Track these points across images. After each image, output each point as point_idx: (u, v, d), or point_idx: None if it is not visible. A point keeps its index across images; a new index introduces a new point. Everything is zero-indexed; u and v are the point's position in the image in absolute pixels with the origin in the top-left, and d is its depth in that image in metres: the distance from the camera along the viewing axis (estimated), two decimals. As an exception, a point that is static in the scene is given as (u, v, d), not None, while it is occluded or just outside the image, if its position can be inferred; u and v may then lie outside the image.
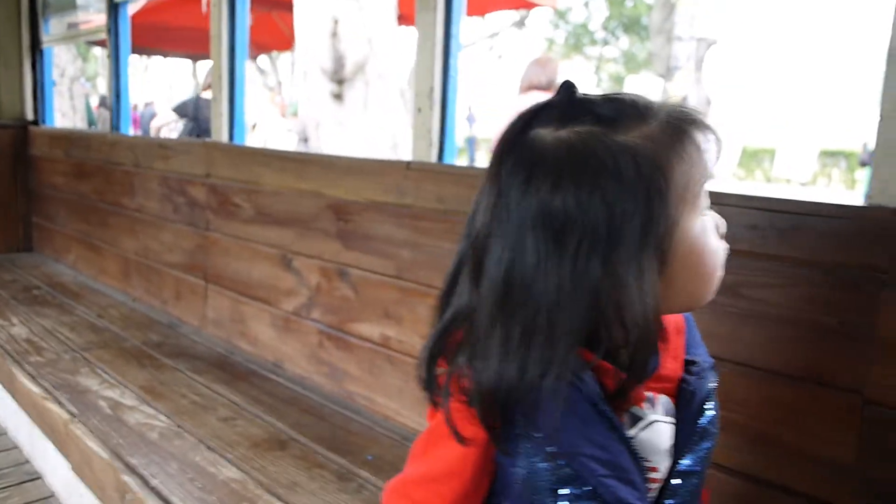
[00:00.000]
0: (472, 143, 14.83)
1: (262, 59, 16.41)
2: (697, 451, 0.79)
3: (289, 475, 1.56)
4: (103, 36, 3.11)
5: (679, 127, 0.69)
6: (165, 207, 2.69)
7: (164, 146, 2.74)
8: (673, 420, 0.78)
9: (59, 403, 1.91)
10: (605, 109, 0.68)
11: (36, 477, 2.16)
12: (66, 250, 3.52)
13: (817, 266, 1.08)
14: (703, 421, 0.79)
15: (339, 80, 5.71)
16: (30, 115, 3.76)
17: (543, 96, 3.59)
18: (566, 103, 0.69)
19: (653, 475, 0.76)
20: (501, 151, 0.69)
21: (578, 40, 21.86)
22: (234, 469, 1.57)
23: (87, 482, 1.76)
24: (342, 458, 1.65)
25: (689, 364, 0.80)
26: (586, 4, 21.07)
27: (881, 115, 1.02)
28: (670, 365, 0.79)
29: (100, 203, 3.18)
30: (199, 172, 2.48)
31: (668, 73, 8.44)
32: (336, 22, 5.62)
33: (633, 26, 20.38)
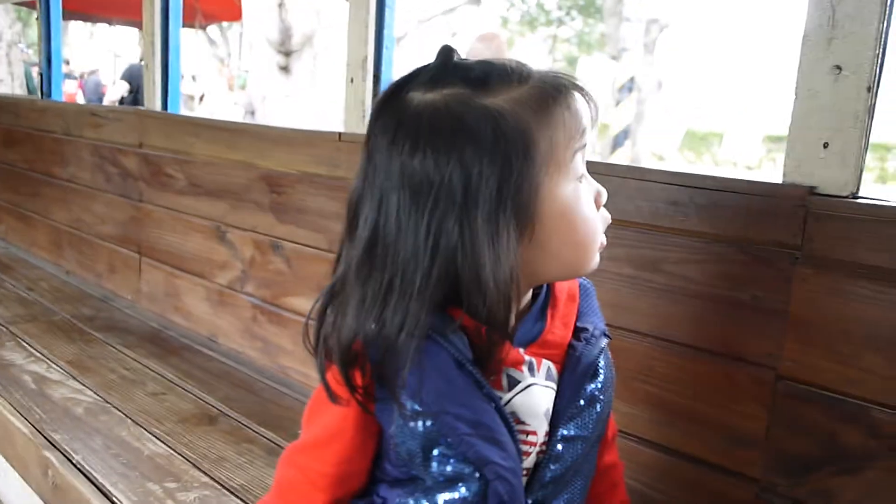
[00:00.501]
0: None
1: (213, 29, 16.03)
2: (583, 418, 0.80)
3: (216, 449, 1.54)
4: (34, -2, 2.99)
5: (548, 91, 0.69)
6: (97, 178, 2.61)
7: (95, 113, 2.64)
8: (553, 385, 0.79)
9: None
10: (475, 73, 0.68)
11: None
12: (-6, 220, 3.39)
13: (733, 242, 1.10)
14: (590, 387, 0.81)
15: (287, 52, 5.61)
16: (-43, 80, 3.60)
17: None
18: (441, 67, 0.69)
19: (530, 438, 0.77)
20: (374, 113, 0.70)
21: (534, 19, 21.82)
22: (160, 444, 1.55)
23: (9, 458, 1.71)
24: (272, 432, 1.63)
25: (579, 331, 0.82)
26: (542, -17, 21.03)
27: (795, 95, 1.04)
28: (559, 331, 0.80)
29: (30, 172, 3.07)
30: (131, 142, 2.40)
31: (618, 55, 8.51)
32: (283, -8, 5.52)
33: (588, 7, 20.42)
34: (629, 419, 1.23)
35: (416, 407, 0.69)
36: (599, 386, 0.82)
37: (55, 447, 1.52)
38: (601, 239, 0.76)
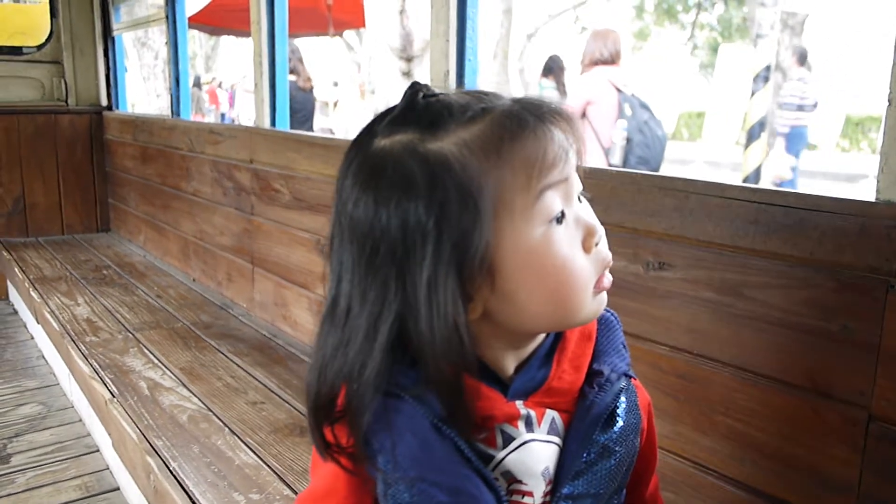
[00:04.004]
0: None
1: (351, 35, 16.52)
2: (594, 473, 0.71)
3: (303, 462, 1.58)
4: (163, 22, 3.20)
5: (504, 127, 0.62)
6: (216, 191, 2.76)
7: (213, 131, 2.80)
8: (557, 439, 0.71)
9: (103, 383, 2.00)
10: (429, 114, 0.63)
11: (94, 450, 2.28)
12: (136, 231, 3.67)
13: (821, 266, 0.99)
14: (602, 438, 0.72)
15: (408, 58, 5.71)
16: (104, 101, 3.93)
17: (608, 71, 3.44)
18: (403, 109, 0.65)
19: (525, 500, 0.70)
20: (345, 153, 0.67)
21: (671, 6, 21.00)
22: (251, 454, 1.61)
23: (123, 460, 1.84)
24: (359, 446, 1.65)
25: (593, 375, 0.73)
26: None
27: (889, 101, 0.92)
28: (568, 377, 0.72)
29: (162, 186, 3.30)
30: (243, 157, 2.52)
31: (755, 40, 8.00)
32: (404, -2, 5.61)
33: (730, -9, 19.40)
34: (708, 453, 1.15)
35: (394, 472, 0.65)
36: (615, 436, 0.72)
37: (157, 454, 1.61)
38: (589, 284, 0.66)
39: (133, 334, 2.40)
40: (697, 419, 1.16)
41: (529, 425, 0.70)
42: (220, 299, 2.80)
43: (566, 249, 0.65)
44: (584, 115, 3.82)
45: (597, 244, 0.67)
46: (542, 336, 0.72)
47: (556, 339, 0.73)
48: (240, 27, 8.52)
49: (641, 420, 0.77)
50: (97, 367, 2.11)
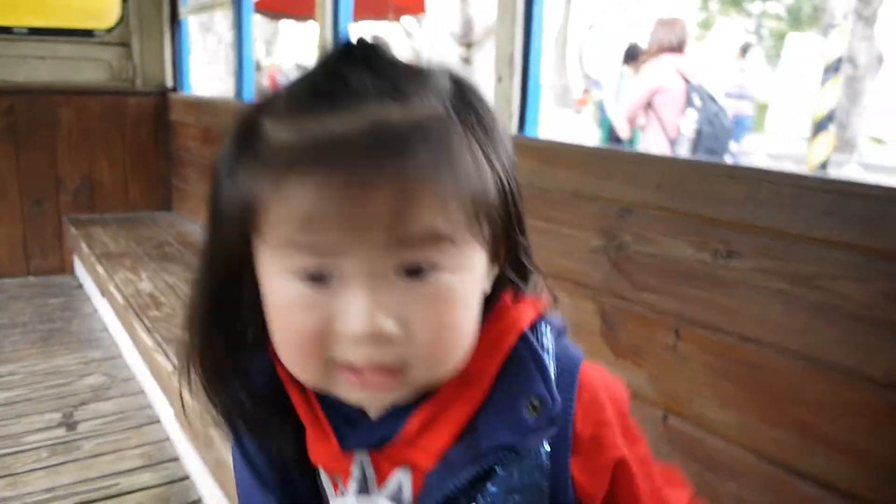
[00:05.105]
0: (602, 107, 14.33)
1: (410, 20, 16.55)
2: None
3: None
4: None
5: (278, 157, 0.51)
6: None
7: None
8: None
9: (167, 356, 2.06)
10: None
11: (155, 420, 2.34)
12: (198, 210, 3.75)
13: (902, 258, 0.95)
14: None
15: (468, 44, 5.69)
16: (169, 83, 4.01)
17: (675, 59, 3.38)
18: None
19: None
20: None
21: (736, -5, 20.46)
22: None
23: (185, 430, 1.89)
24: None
25: (464, 436, 0.57)
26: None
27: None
28: (428, 440, 0.57)
29: (225, 167, 3.36)
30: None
31: (826, 31, 7.72)
32: (465, -16, 5.59)
33: (800, -22, 18.80)
34: (775, 445, 1.12)
35: None
36: None
37: (218, 426, 1.65)
38: (308, 360, 0.53)
39: (195, 310, 2.46)
40: (764, 410, 1.14)
41: (365, 484, 0.59)
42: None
43: (296, 318, 0.53)
44: (649, 104, 3.76)
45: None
46: None
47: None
48: (303, 13, 8.63)
49: (536, 497, 0.57)
50: (160, 340, 2.17)
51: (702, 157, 3.45)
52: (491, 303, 0.59)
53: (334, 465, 0.61)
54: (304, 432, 0.61)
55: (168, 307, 2.49)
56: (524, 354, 0.58)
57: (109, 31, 3.94)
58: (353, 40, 0.53)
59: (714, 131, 5.06)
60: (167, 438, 2.23)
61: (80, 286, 3.73)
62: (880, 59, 12.19)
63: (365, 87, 0.50)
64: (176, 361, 1.98)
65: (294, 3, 7.82)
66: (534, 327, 0.59)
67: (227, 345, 0.59)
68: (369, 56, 0.52)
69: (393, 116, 0.49)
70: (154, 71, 3.98)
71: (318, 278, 0.51)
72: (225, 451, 1.53)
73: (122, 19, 3.93)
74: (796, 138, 12.33)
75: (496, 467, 0.56)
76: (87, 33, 3.90)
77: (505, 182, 0.54)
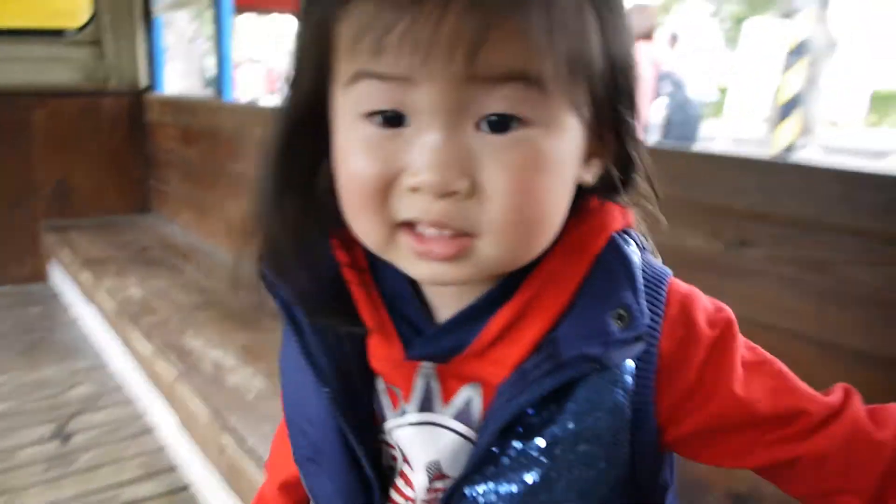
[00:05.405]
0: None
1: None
2: (508, 480, 0.53)
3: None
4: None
5: None
6: (264, 172, 2.77)
7: (259, 111, 2.81)
8: (464, 428, 0.55)
9: (168, 362, 2.03)
10: None
11: (150, 430, 2.31)
12: (178, 212, 3.70)
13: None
14: (520, 444, 0.52)
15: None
16: (143, 83, 3.93)
17: (645, 46, 3.42)
18: None
19: (407, 491, 0.58)
20: None
21: (695, -20, 20.66)
22: (322, 432, 1.63)
23: (192, 438, 1.87)
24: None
25: (544, 345, 0.52)
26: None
27: None
28: (501, 350, 0.52)
29: (206, 167, 3.32)
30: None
31: (789, 14, 7.85)
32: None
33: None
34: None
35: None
36: (544, 445, 0.52)
37: (232, 431, 1.63)
38: (379, 219, 0.50)
39: (189, 314, 2.43)
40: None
41: (429, 401, 0.55)
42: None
43: (361, 163, 0.49)
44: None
45: (414, 189, 0.48)
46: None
47: (511, 279, 0.53)
48: (289, 7, 8.51)
49: (618, 420, 0.52)
50: (160, 346, 2.14)
51: (673, 143, 3.50)
52: (577, 203, 0.53)
53: (396, 376, 0.57)
54: (366, 340, 0.57)
55: (162, 312, 2.46)
56: (612, 259, 0.53)
57: (80, 29, 3.84)
58: None
59: (686, 117, 5.14)
60: (164, 447, 2.20)
61: (57, 294, 3.65)
62: (833, 43, 12.41)
63: None
64: (181, 368, 1.96)
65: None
66: (622, 235, 0.55)
67: (297, 211, 0.56)
68: None
69: None
70: (128, 70, 3.89)
71: (390, 121, 0.47)
72: (242, 457, 1.52)
73: (93, 17, 3.84)
74: (758, 121, 12.51)
75: (576, 383, 0.51)
76: (57, 33, 3.80)
77: (617, 53, 0.50)
